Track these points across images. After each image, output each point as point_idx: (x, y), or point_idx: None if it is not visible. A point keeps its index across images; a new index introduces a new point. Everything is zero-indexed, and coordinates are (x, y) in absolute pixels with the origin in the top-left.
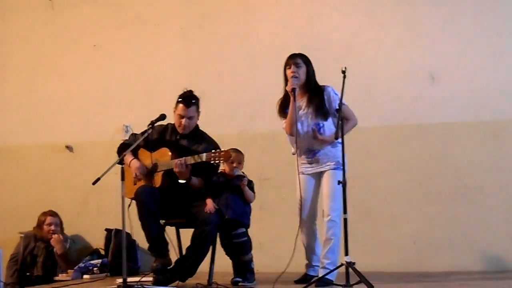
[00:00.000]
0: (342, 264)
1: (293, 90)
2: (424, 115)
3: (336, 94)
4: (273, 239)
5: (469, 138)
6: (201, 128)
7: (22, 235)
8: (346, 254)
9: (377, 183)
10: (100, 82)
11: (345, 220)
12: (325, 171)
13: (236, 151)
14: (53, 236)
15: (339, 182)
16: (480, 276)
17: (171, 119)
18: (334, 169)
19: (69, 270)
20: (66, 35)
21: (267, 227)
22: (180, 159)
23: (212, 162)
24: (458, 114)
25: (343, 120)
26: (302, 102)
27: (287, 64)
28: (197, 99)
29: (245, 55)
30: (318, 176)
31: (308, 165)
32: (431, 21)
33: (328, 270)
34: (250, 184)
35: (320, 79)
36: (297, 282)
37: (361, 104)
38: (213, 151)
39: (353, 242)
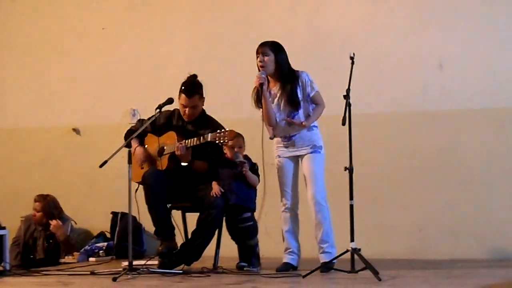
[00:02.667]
0: (347, 250)
1: (261, 85)
2: (433, 102)
3: (310, 80)
4: (279, 224)
5: (478, 126)
6: (208, 113)
7: (23, 218)
8: (352, 240)
9: (384, 170)
10: (108, 65)
11: (351, 206)
12: (303, 155)
13: (236, 135)
14: (51, 222)
15: (345, 169)
16: (485, 264)
17: (178, 103)
18: (311, 152)
19: (74, 253)
20: (74, 18)
21: (272, 212)
22: (181, 141)
23: (217, 142)
24: (467, 101)
25: (350, 106)
26: (275, 89)
27: (256, 53)
28: (200, 86)
29: (253, 40)
30: (296, 160)
31: (285, 149)
32: (440, 7)
33: (329, 253)
34: (254, 167)
35: (328, 65)
36: (279, 270)
37: (370, 91)
38: (217, 131)
39: (359, 229)
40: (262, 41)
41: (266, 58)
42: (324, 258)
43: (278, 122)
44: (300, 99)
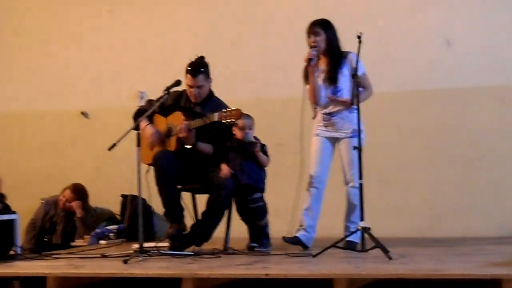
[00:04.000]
0: (357, 229)
1: (309, 60)
2: (440, 80)
3: (358, 61)
4: (289, 205)
5: (485, 103)
6: (216, 94)
7: (43, 201)
8: (362, 219)
9: (391, 149)
10: (115, 48)
11: (361, 185)
12: (342, 138)
13: (246, 116)
14: (73, 202)
15: (354, 148)
16: (494, 241)
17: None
18: (350, 137)
19: (85, 236)
20: (81, 2)
21: (282, 193)
22: (184, 122)
23: (223, 121)
24: (474, 79)
25: (359, 86)
26: (323, 66)
27: (307, 33)
28: (205, 66)
29: (259, 20)
30: (333, 141)
31: (324, 128)
32: None
33: (356, 234)
34: (263, 148)
35: None
36: (286, 240)
37: (376, 70)
38: (223, 110)
39: (369, 208)
40: (268, 20)
41: (318, 38)
42: (351, 238)
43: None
44: (346, 76)
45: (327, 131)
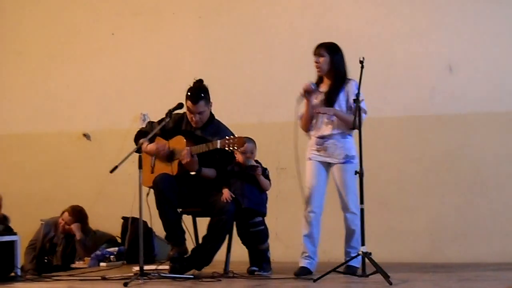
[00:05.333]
0: (358, 254)
1: (306, 93)
2: (442, 105)
3: (357, 88)
4: (289, 229)
5: (487, 129)
6: (217, 117)
7: (43, 222)
8: (363, 244)
9: (393, 174)
10: (118, 70)
11: (362, 210)
12: (334, 164)
13: (248, 140)
14: (72, 224)
15: (356, 172)
16: (496, 268)
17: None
18: (343, 163)
19: (86, 258)
20: (83, 23)
21: (283, 217)
22: (187, 148)
23: (226, 148)
24: (476, 105)
25: (360, 111)
26: (324, 88)
27: (314, 54)
28: (205, 91)
29: (262, 44)
30: (327, 166)
31: (316, 152)
32: (449, 10)
33: (357, 259)
34: (265, 172)
35: None
36: (297, 274)
37: (379, 94)
38: (226, 137)
39: (369, 233)
40: (270, 44)
41: (321, 59)
42: (352, 262)
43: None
44: (341, 101)
45: (320, 155)
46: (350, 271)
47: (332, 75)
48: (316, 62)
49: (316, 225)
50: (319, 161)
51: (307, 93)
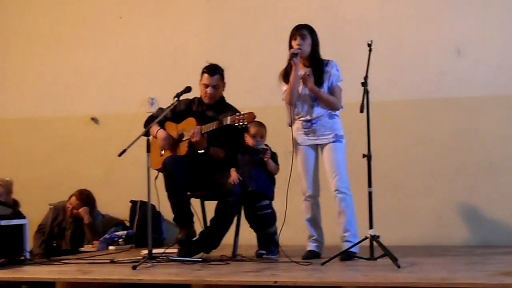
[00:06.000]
0: (366, 238)
1: (294, 55)
2: (451, 89)
3: (337, 70)
4: (297, 212)
5: (496, 112)
6: (227, 101)
7: (51, 206)
8: (371, 227)
9: (402, 157)
10: (125, 54)
11: (370, 193)
12: (324, 144)
13: (259, 124)
14: (81, 209)
15: (364, 156)
16: (504, 251)
17: (196, 92)
18: (333, 142)
19: (94, 242)
20: (91, 7)
21: (291, 200)
22: (197, 126)
23: (236, 124)
24: (484, 88)
25: (368, 93)
26: (303, 71)
27: (293, 35)
28: (221, 69)
29: (270, 27)
30: (316, 148)
31: (305, 136)
32: None
33: (350, 243)
34: (274, 156)
35: (345, 53)
36: (305, 258)
37: (387, 78)
38: (237, 113)
39: (378, 216)
40: (277, 27)
41: (304, 41)
42: (345, 247)
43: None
44: (323, 79)
45: (309, 138)
46: (346, 257)
47: (312, 57)
48: (299, 44)
49: (317, 209)
50: (308, 145)
51: (295, 55)
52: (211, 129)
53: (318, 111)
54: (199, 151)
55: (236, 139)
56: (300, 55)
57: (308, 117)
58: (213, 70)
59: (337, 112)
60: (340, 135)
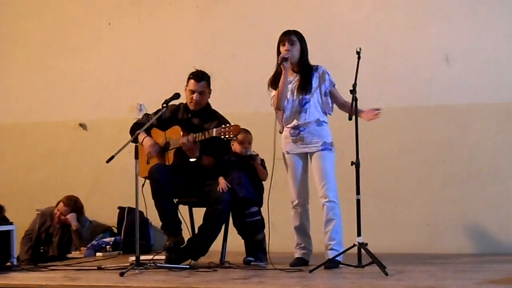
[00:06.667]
0: (354, 245)
1: (284, 60)
2: (439, 96)
3: (329, 75)
4: (285, 219)
5: (484, 120)
6: (214, 107)
7: (39, 212)
8: (359, 235)
9: (390, 164)
10: (114, 60)
11: (358, 201)
12: (313, 152)
13: (245, 131)
14: (68, 215)
15: (352, 163)
16: (492, 259)
17: (184, 98)
18: (322, 149)
19: (82, 248)
20: (80, 13)
21: (279, 207)
22: (188, 136)
23: (222, 137)
24: (473, 95)
25: (356, 100)
26: (292, 78)
27: (281, 41)
28: (208, 76)
29: (259, 34)
30: (305, 157)
31: (293, 144)
32: (446, 1)
33: (335, 251)
34: (262, 162)
35: (334, 60)
36: (293, 265)
37: (375, 85)
38: (222, 126)
39: (365, 223)
40: (267, 35)
41: (293, 47)
42: (330, 255)
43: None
44: (313, 87)
45: (297, 147)
46: (332, 265)
47: (301, 63)
48: (287, 50)
49: (305, 217)
50: (295, 154)
51: (285, 60)
52: (203, 138)
53: (306, 117)
54: (191, 160)
55: (224, 147)
56: (290, 60)
57: (296, 123)
58: (200, 77)
59: (325, 119)
60: (329, 142)
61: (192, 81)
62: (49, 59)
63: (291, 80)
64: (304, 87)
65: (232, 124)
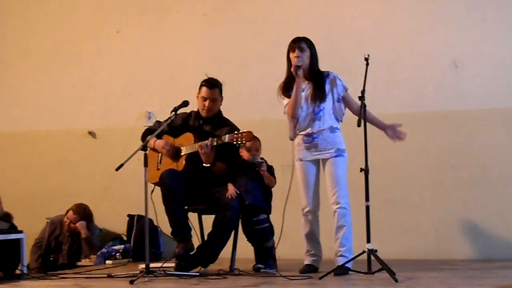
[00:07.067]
0: (364, 252)
1: (298, 68)
2: (447, 102)
3: (340, 80)
4: (295, 226)
5: (493, 126)
6: (224, 115)
7: (49, 220)
8: (368, 241)
9: (399, 171)
10: (123, 68)
11: (367, 207)
12: (326, 159)
13: (253, 138)
14: (78, 223)
15: (361, 170)
16: (501, 265)
17: (193, 106)
18: (335, 156)
19: (91, 256)
20: (88, 21)
21: (289, 214)
22: (210, 138)
23: (234, 142)
24: (481, 101)
25: (365, 107)
26: (304, 85)
27: (291, 48)
28: (220, 83)
29: (267, 41)
30: (318, 163)
31: (306, 151)
32: (454, 7)
33: (345, 258)
34: (270, 169)
35: (342, 66)
36: (302, 272)
37: (384, 91)
38: (235, 132)
39: (375, 230)
40: (274, 41)
41: (303, 54)
42: (340, 262)
43: (303, 116)
44: (327, 94)
45: (310, 154)
46: (342, 272)
47: (312, 70)
48: (298, 56)
49: (316, 224)
50: (309, 160)
51: (298, 68)
52: (220, 143)
53: (320, 125)
54: (205, 165)
55: (234, 154)
56: (302, 67)
57: (310, 131)
58: (212, 84)
59: (338, 126)
60: (342, 149)
61: (204, 88)
62: (58, 68)
63: (304, 87)
64: (319, 95)
65: (244, 130)
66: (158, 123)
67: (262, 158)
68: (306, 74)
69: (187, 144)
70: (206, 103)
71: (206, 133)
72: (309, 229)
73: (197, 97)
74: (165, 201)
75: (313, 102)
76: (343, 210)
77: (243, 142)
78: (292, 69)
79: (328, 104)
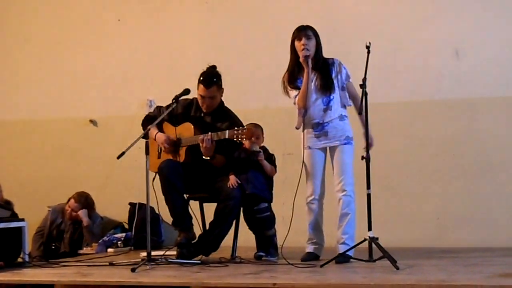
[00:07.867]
0: (365, 239)
1: (307, 57)
2: (449, 90)
3: (344, 68)
4: (296, 214)
5: (494, 114)
6: (225, 103)
7: (50, 209)
8: (369, 229)
9: (400, 159)
10: (124, 56)
11: (369, 195)
12: (335, 146)
13: (254, 125)
14: (79, 211)
15: (362, 158)
16: (502, 253)
17: (194, 93)
18: (344, 144)
19: (93, 244)
20: (89, 9)
21: (290, 202)
22: (207, 134)
23: (234, 139)
24: (483, 89)
25: (366, 95)
26: (311, 75)
27: (297, 37)
28: (218, 77)
29: (268, 29)
30: (325, 150)
31: (316, 139)
32: None
33: (347, 245)
34: (271, 158)
35: (344, 54)
36: (304, 260)
37: (385, 80)
38: (235, 128)
39: (376, 218)
40: (277, 30)
41: (310, 41)
42: (341, 249)
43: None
44: (334, 83)
45: (320, 141)
46: (343, 260)
47: (317, 59)
48: (305, 44)
49: (320, 212)
50: (318, 149)
51: (307, 57)
52: (216, 139)
53: (331, 114)
54: (205, 158)
55: (234, 145)
56: (310, 57)
57: (320, 121)
58: (209, 82)
59: (346, 113)
60: (351, 137)
61: (201, 86)
62: (59, 56)
63: (310, 77)
64: (328, 86)
65: (245, 127)
66: (159, 109)
67: (262, 147)
68: (312, 63)
69: (187, 135)
70: (205, 101)
71: (207, 124)
72: (314, 217)
73: (197, 89)
74: (164, 191)
75: (323, 93)
76: (348, 198)
77: (243, 138)
78: (301, 60)
79: (336, 93)
